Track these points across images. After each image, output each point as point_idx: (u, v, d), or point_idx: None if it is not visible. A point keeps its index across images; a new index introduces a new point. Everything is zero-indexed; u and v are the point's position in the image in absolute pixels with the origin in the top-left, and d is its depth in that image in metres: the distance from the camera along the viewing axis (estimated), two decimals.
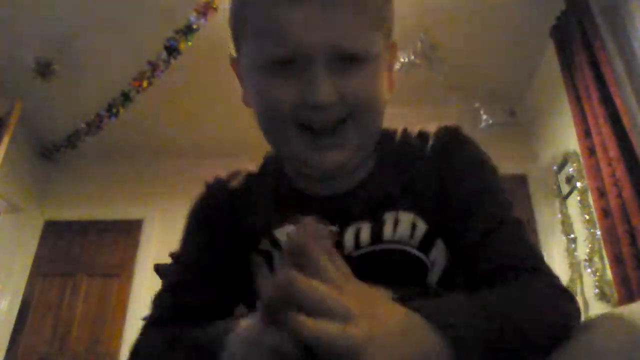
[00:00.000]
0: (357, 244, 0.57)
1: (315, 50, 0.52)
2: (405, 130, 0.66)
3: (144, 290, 3.39)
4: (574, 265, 2.73)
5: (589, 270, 2.54)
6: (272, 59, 0.54)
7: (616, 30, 2.43)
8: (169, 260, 1.79)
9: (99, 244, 3.67)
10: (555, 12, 2.73)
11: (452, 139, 0.63)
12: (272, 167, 0.69)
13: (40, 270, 3.58)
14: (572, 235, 2.80)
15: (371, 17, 0.56)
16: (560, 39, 2.74)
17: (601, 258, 2.47)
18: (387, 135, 0.65)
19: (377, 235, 0.57)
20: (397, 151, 0.63)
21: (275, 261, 0.60)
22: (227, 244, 0.64)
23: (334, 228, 0.58)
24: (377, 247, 0.57)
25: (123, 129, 3.46)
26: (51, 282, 3.56)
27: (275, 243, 0.60)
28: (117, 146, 3.86)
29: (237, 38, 0.60)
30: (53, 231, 3.72)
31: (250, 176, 0.71)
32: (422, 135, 0.64)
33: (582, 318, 0.56)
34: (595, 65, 2.36)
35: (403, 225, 0.57)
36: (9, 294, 3.44)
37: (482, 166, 0.64)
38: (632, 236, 2.05)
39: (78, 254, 3.64)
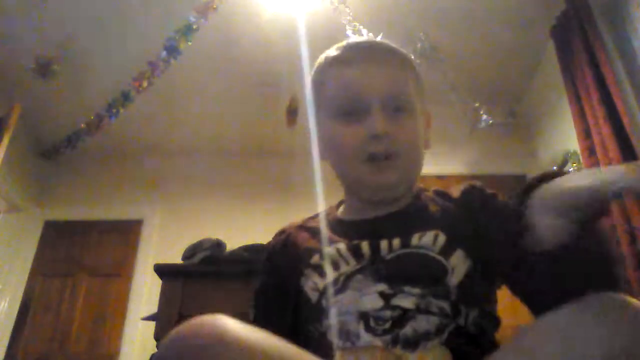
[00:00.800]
0: (390, 250, 0.69)
1: (372, 98, 0.72)
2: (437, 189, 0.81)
3: (144, 290, 3.39)
4: None
5: None
6: (341, 110, 0.74)
7: (616, 30, 2.43)
8: (169, 260, 1.79)
9: (99, 244, 3.67)
10: (555, 12, 2.73)
11: (480, 191, 0.76)
12: (322, 214, 0.84)
13: (40, 270, 3.58)
14: None
15: (413, 80, 0.77)
16: (560, 39, 2.74)
17: None
18: (423, 188, 0.81)
19: (406, 241, 0.69)
20: (430, 197, 0.78)
21: (324, 271, 0.71)
22: (287, 271, 0.76)
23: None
24: (406, 250, 0.68)
25: (123, 129, 3.46)
26: (51, 282, 3.55)
27: (330, 257, 0.71)
28: (117, 146, 3.86)
29: (316, 101, 0.80)
30: (53, 231, 3.72)
31: (304, 222, 0.85)
32: (449, 191, 0.79)
33: None
34: (595, 65, 2.36)
35: (427, 237, 0.68)
36: (9, 294, 3.44)
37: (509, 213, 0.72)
38: (632, 236, 2.05)
39: (78, 254, 3.64)
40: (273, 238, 0.85)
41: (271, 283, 0.80)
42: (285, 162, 3.78)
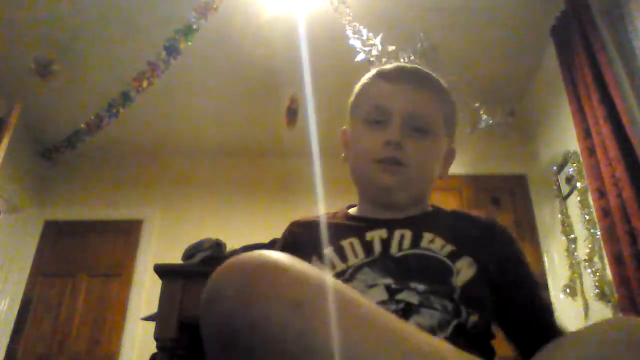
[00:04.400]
0: (400, 248, 0.73)
1: (395, 111, 0.80)
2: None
3: (144, 290, 3.39)
4: (574, 266, 2.74)
5: (589, 270, 2.54)
6: (369, 117, 0.82)
7: (616, 30, 2.43)
8: (169, 261, 1.79)
9: (99, 244, 3.67)
10: (555, 12, 2.73)
11: (504, 229, 0.83)
12: (338, 211, 0.90)
13: (40, 270, 3.58)
14: (572, 236, 2.80)
15: (442, 112, 0.83)
16: (560, 39, 2.74)
17: (601, 258, 2.47)
18: (440, 207, 0.88)
19: (416, 243, 0.73)
20: (446, 213, 0.85)
21: (334, 261, 0.74)
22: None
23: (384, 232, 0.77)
24: (415, 251, 0.72)
25: (123, 129, 3.46)
26: (51, 282, 3.55)
27: (340, 249, 0.75)
28: (117, 146, 3.86)
29: (355, 107, 0.88)
30: (53, 231, 3.72)
31: (315, 216, 0.89)
32: (470, 213, 0.86)
33: (582, 318, 0.57)
34: (595, 65, 2.36)
35: (436, 243, 0.73)
36: (9, 294, 3.44)
37: (522, 254, 0.83)
38: (632, 236, 2.05)
39: (78, 254, 3.64)
40: (286, 229, 0.88)
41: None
42: (285, 162, 3.78)
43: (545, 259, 3.15)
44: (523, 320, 0.75)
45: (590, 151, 2.40)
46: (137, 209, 3.76)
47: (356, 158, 0.84)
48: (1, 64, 3.10)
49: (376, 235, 0.75)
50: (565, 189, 2.90)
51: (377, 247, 0.73)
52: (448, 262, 0.70)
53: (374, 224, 0.79)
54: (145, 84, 2.60)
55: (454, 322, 0.63)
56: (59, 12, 2.79)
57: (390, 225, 0.77)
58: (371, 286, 0.67)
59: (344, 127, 0.93)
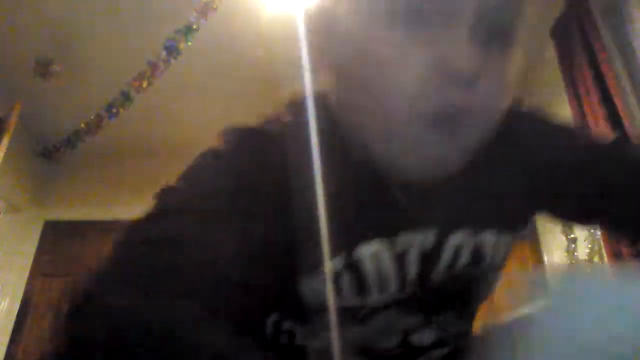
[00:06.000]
0: (451, 267, 0.47)
1: (467, 5, 0.41)
2: None
3: None
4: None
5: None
6: (409, 9, 0.40)
7: (616, 30, 2.43)
8: None
9: (99, 244, 3.66)
10: (555, 12, 2.73)
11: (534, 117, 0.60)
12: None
13: (40, 270, 3.58)
14: (572, 235, 2.80)
15: None
16: (560, 39, 2.73)
17: (601, 258, 2.47)
18: None
19: (477, 259, 0.48)
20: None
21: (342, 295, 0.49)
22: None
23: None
24: (452, 273, 0.47)
25: (123, 129, 3.46)
26: (51, 282, 3.55)
27: (355, 269, 0.48)
28: (117, 146, 3.86)
29: None
30: (53, 231, 3.72)
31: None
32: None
33: None
34: (595, 65, 2.36)
35: (465, 247, 0.47)
36: (9, 294, 3.44)
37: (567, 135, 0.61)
38: None
39: (78, 254, 3.64)
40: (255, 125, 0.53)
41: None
42: None
43: (545, 259, 3.15)
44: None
45: None
46: (137, 209, 3.73)
47: (374, 96, 0.42)
48: (1, 64, 3.10)
49: (415, 243, 0.44)
50: None
51: (413, 269, 0.45)
52: (490, 274, 0.49)
53: (388, 211, 0.45)
54: (145, 84, 2.60)
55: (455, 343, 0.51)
56: (59, 12, 2.79)
57: (442, 221, 0.46)
58: (384, 333, 0.46)
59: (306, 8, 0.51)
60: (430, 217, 0.46)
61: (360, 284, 0.43)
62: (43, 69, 2.86)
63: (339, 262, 0.43)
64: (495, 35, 0.43)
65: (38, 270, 3.58)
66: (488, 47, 0.42)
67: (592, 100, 2.36)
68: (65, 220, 3.76)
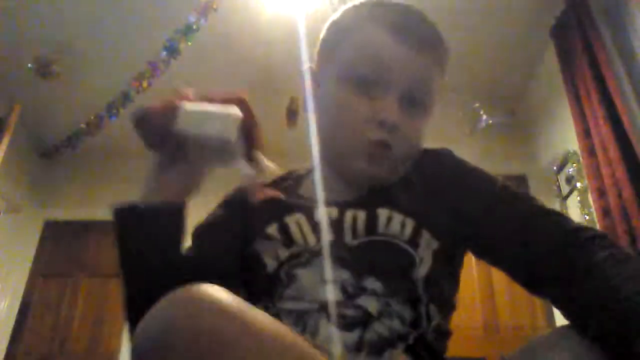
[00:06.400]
0: (354, 234, 0.64)
1: (395, 80, 0.64)
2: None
3: None
4: None
5: None
6: (358, 77, 0.65)
7: (616, 30, 2.43)
8: None
9: (99, 244, 3.67)
10: (555, 12, 2.73)
11: (446, 156, 0.73)
12: (284, 181, 0.79)
13: (40, 270, 3.58)
14: None
15: (439, 77, 0.69)
16: (560, 39, 2.73)
17: None
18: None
19: (371, 228, 0.63)
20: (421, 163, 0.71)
21: (287, 240, 0.66)
22: (240, 229, 0.72)
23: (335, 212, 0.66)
24: (372, 238, 0.63)
25: (123, 129, 3.45)
26: (51, 282, 3.55)
27: (284, 228, 0.66)
28: (117, 146, 3.85)
29: (329, 50, 0.71)
30: (53, 231, 3.72)
31: (275, 180, 0.81)
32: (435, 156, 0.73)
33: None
34: (595, 65, 2.36)
35: (395, 224, 0.63)
36: (9, 294, 3.44)
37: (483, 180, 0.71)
38: (632, 236, 2.05)
39: (78, 254, 3.64)
40: (233, 189, 0.79)
41: (221, 223, 0.76)
42: (285, 162, 3.78)
43: None
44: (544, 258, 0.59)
45: (590, 151, 2.39)
46: None
47: (333, 128, 0.68)
48: (1, 64, 3.10)
49: (328, 214, 0.65)
50: (565, 189, 2.90)
51: (329, 231, 0.64)
52: (411, 250, 0.61)
53: (328, 198, 0.68)
54: (145, 84, 2.61)
55: (414, 334, 0.57)
56: (59, 12, 2.79)
57: (342, 200, 0.67)
58: (326, 281, 0.59)
59: (310, 65, 0.74)
60: (331, 200, 0.68)
61: (291, 241, 0.65)
62: (43, 69, 2.86)
63: (274, 227, 0.67)
64: (415, 102, 0.66)
65: (38, 270, 3.58)
66: (408, 109, 0.65)
67: (592, 101, 2.36)
68: (65, 220, 3.76)
